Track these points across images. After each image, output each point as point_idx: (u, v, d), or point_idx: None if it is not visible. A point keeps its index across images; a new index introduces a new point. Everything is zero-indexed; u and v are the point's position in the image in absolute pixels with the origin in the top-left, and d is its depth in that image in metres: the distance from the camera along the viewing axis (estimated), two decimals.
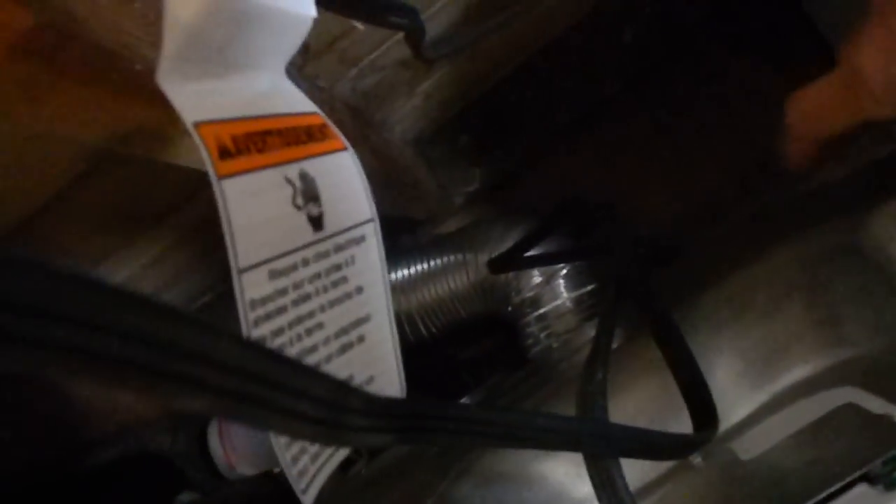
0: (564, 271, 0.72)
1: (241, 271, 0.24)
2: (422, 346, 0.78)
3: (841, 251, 0.43)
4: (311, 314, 0.28)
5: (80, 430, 0.69)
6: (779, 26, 0.73)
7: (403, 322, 0.77)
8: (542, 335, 0.74)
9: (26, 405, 0.62)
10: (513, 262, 0.66)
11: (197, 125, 0.24)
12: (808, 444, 0.39)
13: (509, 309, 0.76)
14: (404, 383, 0.33)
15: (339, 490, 0.54)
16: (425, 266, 0.77)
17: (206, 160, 0.23)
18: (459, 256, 0.76)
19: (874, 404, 0.39)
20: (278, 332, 0.26)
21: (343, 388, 0.21)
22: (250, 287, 0.25)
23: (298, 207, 0.27)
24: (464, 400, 0.77)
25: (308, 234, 0.28)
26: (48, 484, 0.71)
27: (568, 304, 0.73)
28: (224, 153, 0.24)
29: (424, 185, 0.79)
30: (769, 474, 0.39)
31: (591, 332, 0.64)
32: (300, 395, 0.20)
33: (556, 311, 0.73)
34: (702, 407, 0.40)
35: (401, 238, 0.82)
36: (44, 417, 0.66)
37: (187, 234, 0.60)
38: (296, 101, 0.30)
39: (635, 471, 0.45)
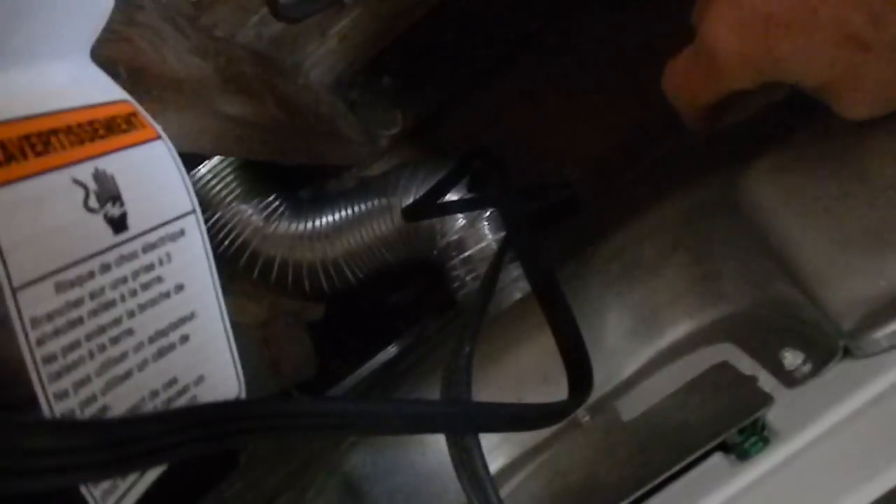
0: (488, 213, 0.71)
1: (18, 289, 0.23)
2: (350, 292, 0.78)
3: (720, 205, 0.43)
4: (116, 321, 0.27)
5: None
6: None
7: (330, 269, 0.76)
8: (468, 278, 0.74)
9: None
10: (425, 210, 0.65)
11: None
12: (680, 407, 0.39)
13: (435, 253, 0.75)
14: (241, 377, 0.32)
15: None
16: (349, 212, 0.76)
17: None
18: (383, 200, 0.75)
19: (745, 364, 0.38)
20: (72, 346, 0.25)
21: (103, 426, 0.20)
22: (32, 304, 0.24)
23: (93, 210, 0.26)
24: (392, 346, 0.77)
25: (107, 237, 0.26)
26: None
27: (492, 245, 0.72)
28: None
29: (346, 129, 0.77)
30: (644, 437, 0.39)
31: (515, 272, 0.64)
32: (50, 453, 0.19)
33: (480, 253, 0.73)
34: (578, 372, 0.40)
35: (325, 183, 0.81)
36: None
37: None
38: (99, 91, 0.28)
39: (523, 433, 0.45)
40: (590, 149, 0.76)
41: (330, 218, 0.76)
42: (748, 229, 0.40)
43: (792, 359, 0.36)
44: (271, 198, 0.74)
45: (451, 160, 0.73)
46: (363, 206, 0.75)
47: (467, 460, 0.34)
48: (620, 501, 0.37)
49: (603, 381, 0.44)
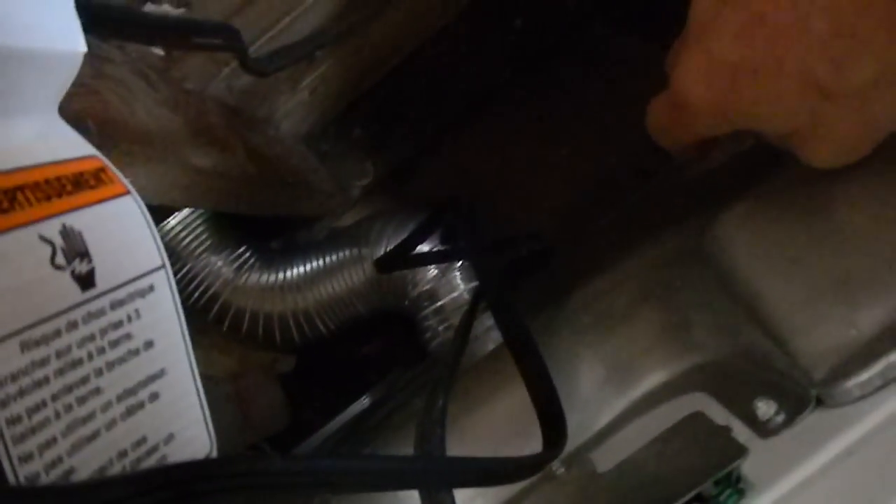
0: (460, 262, 0.71)
1: None
2: (321, 343, 0.77)
3: (689, 254, 0.43)
4: (84, 380, 0.26)
5: None
6: (663, 2, 0.72)
7: (301, 320, 0.75)
8: (441, 328, 0.74)
9: None
10: (398, 261, 0.65)
11: None
12: (655, 458, 0.38)
13: (407, 303, 0.75)
14: (212, 435, 0.32)
15: None
16: (321, 263, 0.75)
17: None
18: (355, 251, 0.75)
19: (719, 413, 0.38)
20: (38, 407, 0.24)
21: (67, 492, 0.20)
22: None
23: (60, 267, 0.26)
24: (364, 398, 0.77)
25: (75, 294, 0.26)
26: None
27: (465, 295, 0.72)
28: None
29: (317, 180, 0.77)
30: (618, 491, 0.39)
31: (488, 321, 0.63)
32: None
33: (453, 303, 0.73)
34: (552, 424, 0.39)
35: (296, 234, 0.80)
36: None
37: None
38: (67, 147, 0.28)
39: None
40: (559, 198, 0.76)
41: (301, 269, 0.75)
42: (717, 278, 0.41)
43: (765, 409, 0.36)
44: (241, 249, 0.73)
45: (423, 211, 0.73)
46: (334, 257, 0.75)
47: None
48: None
49: (577, 432, 0.44)
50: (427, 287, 0.73)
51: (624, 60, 0.75)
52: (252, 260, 0.74)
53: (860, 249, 0.36)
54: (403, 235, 0.72)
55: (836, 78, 0.33)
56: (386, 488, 0.32)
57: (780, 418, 0.35)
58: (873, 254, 0.36)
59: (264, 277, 0.75)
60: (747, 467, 0.35)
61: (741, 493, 0.34)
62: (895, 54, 0.32)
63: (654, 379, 0.44)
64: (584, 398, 0.45)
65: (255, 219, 0.71)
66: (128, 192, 0.29)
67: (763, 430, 0.36)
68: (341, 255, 0.75)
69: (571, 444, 0.42)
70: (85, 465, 0.25)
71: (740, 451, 0.36)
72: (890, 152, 0.38)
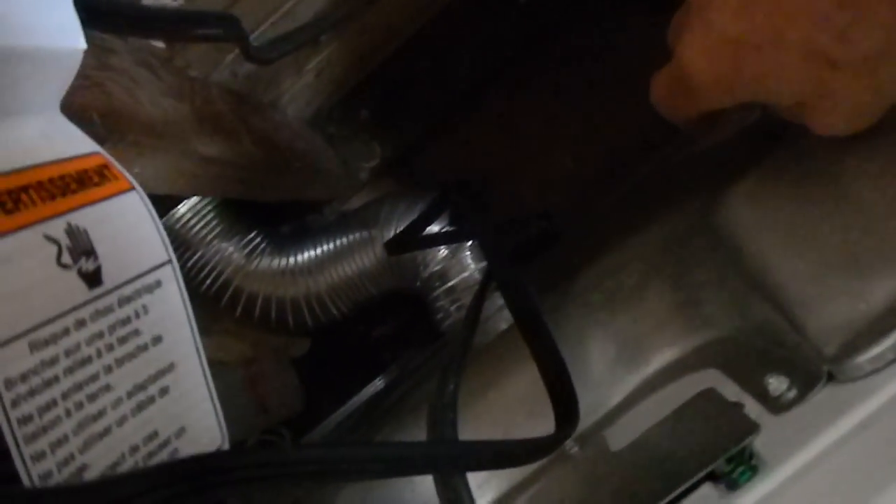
0: (470, 243, 0.71)
1: None
2: (334, 326, 0.77)
3: (699, 230, 0.43)
4: (93, 378, 0.26)
5: None
6: None
7: (314, 304, 0.76)
8: (453, 308, 0.74)
9: None
10: (408, 243, 0.65)
11: None
12: (668, 436, 0.38)
13: (418, 284, 0.75)
14: (224, 427, 0.32)
15: None
16: (331, 246, 0.75)
17: None
18: (365, 234, 0.75)
19: (730, 390, 0.38)
20: (48, 405, 0.25)
21: (80, 490, 0.20)
22: (5, 364, 0.23)
23: (66, 266, 0.26)
24: (378, 380, 0.77)
25: (82, 292, 0.26)
26: None
27: (476, 275, 0.72)
28: None
29: (325, 163, 0.77)
30: (630, 469, 0.39)
31: (500, 301, 0.63)
32: None
33: (464, 283, 0.73)
34: (564, 404, 0.39)
35: (306, 218, 0.80)
36: None
37: None
38: (70, 144, 0.28)
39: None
40: (567, 175, 0.76)
41: (312, 253, 0.76)
42: (727, 254, 0.40)
43: (777, 384, 0.36)
44: (252, 234, 0.73)
45: (432, 191, 0.73)
46: (345, 240, 0.75)
47: (455, 500, 0.34)
48: None
49: (589, 411, 0.44)
50: (438, 267, 0.73)
51: (630, 33, 0.74)
52: (263, 245, 0.74)
53: (870, 223, 0.36)
54: (413, 217, 0.72)
55: (842, 48, 0.33)
56: (398, 475, 0.32)
57: (792, 394, 0.35)
58: (882, 228, 0.36)
59: (276, 262, 0.75)
60: (760, 444, 0.35)
61: (754, 469, 0.34)
62: None
63: (665, 356, 0.43)
64: (595, 377, 0.45)
65: (265, 204, 0.71)
66: (132, 188, 0.29)
67: (775, 406, 0.35)
68: (351, 237, 0.75)
69: (584, 423, 0.42)
70: (97, 462, 0.26)
71: (752, 427, 0.36)
72: None
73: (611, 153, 0.75)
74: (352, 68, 0.75)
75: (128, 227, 0.28)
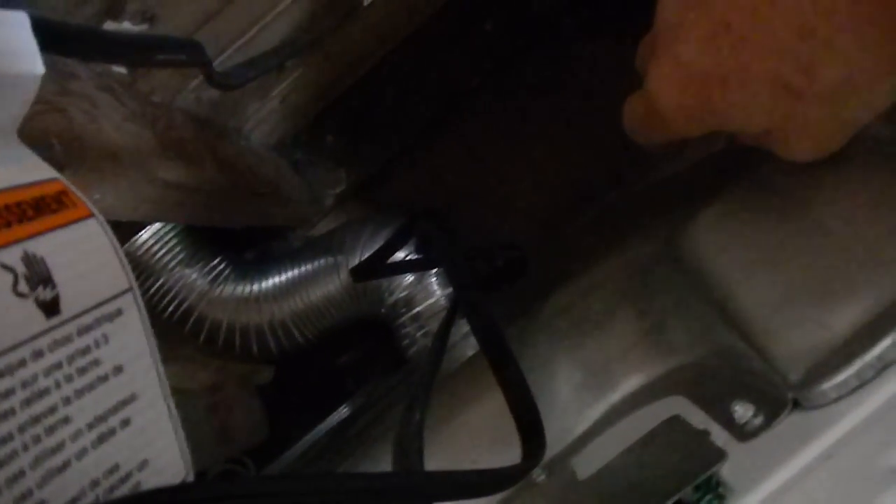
0: (436, 269, 0.71)
1: None
2: (299, 353, 0.76)
3: (664, 258, 0.43)
4: (52, 410, 0.26)
5: None
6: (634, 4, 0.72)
7: (278, 331, 0.75)
8: (419, 334, 0.74)
9: None
10: (374, 270, 0.65)
11: None
12: (635, 464, 0.38)
13: (384, 311, 0.75)
14: (188, 459, 0.31)
15: None
16: (296, 272, 0.75)
17: None
18: (330, 260, 0.74)
19: (697, 417, 0.38)
20: (4, 439, 0.24)
21: None
22: None
23: (22, 295, 0.25)
24: (343, 407, 0.76)
25: (39, 321, 0.25)
26: None
27: (442, 301, 0.72)
28: None
29: (290, 189, 0.76)
30: (597, 497, 0.38)
31: (466, 327, 0.63)
32: None
33: (430, 309, 0.72)
34: (531, 433, 0.39)
35: (271, 245, 0.80)
36: None
37: None
38: (26, 171, 0.27)
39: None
40: (534, 202, 0.76)
41: (276, 279, 0.75)
42: (693, 281, 0.41)
43: (742, 411, 0.36)
44: (216, 261, 0.73)
45: (398, 218, 0.73)
46: (310, 266, 0.75)
47: None
48: None
49: (556, 439, 0.44)
50: (403, 294, 0.72)
51: (596, 61, 0.75)
52: (227, 272, 0.74)
53: (833, 250, 0.36)
54: (379, 243, 0.71)
55: (806, 80, 0.33)
56: None
57: (758, 421, 0.35)
58: (846, 254, 0.36)
59: (239, 289, 0.74)
60: (727, 471, 0.35)
61: (721, 497, 0.34)
62: (863, 54, 0.32)
63: (632, 383, 0.43)
64: (562, 404, 0.45)
65: (228, 230, 0.70)
66: (91, 215, 0.28)
67: (741, 433, 0.35)
68: (316, 264, 0.74)
69: (551, 450, 0.42)
70: (56, 497, 0.25)
71: (719, 455, 0.36)
72: (861, 154, 0.38)
73: (577, 181, 0.75)
74: (317, 94, 0.75)
75: (87, 254, 0.28)
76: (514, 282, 0.56)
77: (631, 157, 0.70)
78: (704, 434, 0.37)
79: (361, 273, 0.66)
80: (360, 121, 0.78)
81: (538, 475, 0.44)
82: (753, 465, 0.34)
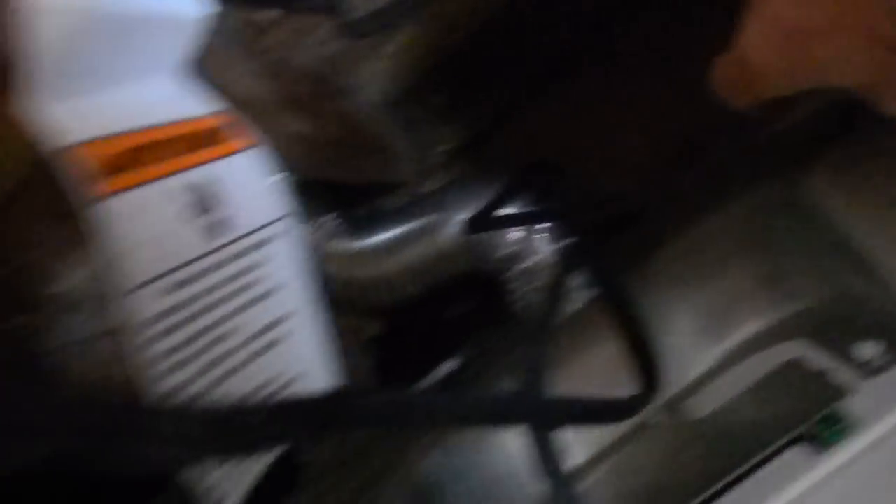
0: (545, 224, 0.72)
1: (128, 292, 0.24)
2: (407, 307, 0.78)
3: (782, 205, 0.43)
4: (217, 323, 0.28)
5: None
6: None
7: (387, 285, 0.77)
8: (527, 289, 0.74)
9: None
10: (487, 222, 0.66)
11: (66, 147, 0.24)
12: (753, 404, 0.39)
13: (493, 265, 0.75)
14: (340, 373, 0.33)
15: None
16: (405, 228, 0.76)
17: (78, 183, 0.23)
18: (437, 216, 0.76)
19: (816, 360, 0.38)
20: (178, 347, 0.26)
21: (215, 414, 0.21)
22: (140, 307, 0.25)
23: (190, 219, 0.27)
24: (451, 360, 0.78)
25: (206, 243, 0.28)
26: None
27: (550, 256, 0.73)
28: (99, 173, 0.24)
29: (399, 147, 0.78)
30: (715, 435, 0.39)
31: (575, 281, 0.64)
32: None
33: (538, 264, 0.73)
34: (648, 368, 0.40)
35: (379, 201, 0.81)
36: None
37: None
38: (198, 103, 0.30)
39: (594, 434, 0.45)
40: (646, 157, 0.76)
41: (386, 235, 0.77)
42: (813, 227, 0.41)
43: (867, 349, 0.36)
44: (329, 216, 0.75)
45: (507, 173, 0.74)
46: (419, 222, 0.76)
47: (546, 457, 0.35)
48: (695, 497, 0.37)
49: (672, 381, 0.44)
50: (513, 249, 0.73)
51: (709, 15, 0.74)
52: (339, 227, 0.76)
53: None
54: (487, 198, 0.72)
55: None
56: (494, 424, 0.33)
57: (884, 357, 0.35)
58: None
59: (351, 244, 0.76)
60: (851, 406, 0.35)
61: (846, 430, 0.35)
62: None
63: (750, 327, 0.44)
64: (679, 348, 0.46)
65: (338, 187, 0.72)
66: (255, 145, 0.30)
67: (866, 369, 0.36)
68: (425, 219, 0.76)
69: (667, 392, 0.43)
70: (223, 401, 0.27)
71: (839, 392, 0.36)
72: None
73: (689, 135, 0.75)
74: (427, 52, 0.76)
75: (249, 182, 0.30)
76: (628, 232, 0.56)
77: (738, 114, 0.70)
78: (824, 374, 0.37)
79: (473, 226, 0.67)
80: (469, 78, 0.79)
81: (653, 416, 0.45)
82: (879, 399, 0.34)
